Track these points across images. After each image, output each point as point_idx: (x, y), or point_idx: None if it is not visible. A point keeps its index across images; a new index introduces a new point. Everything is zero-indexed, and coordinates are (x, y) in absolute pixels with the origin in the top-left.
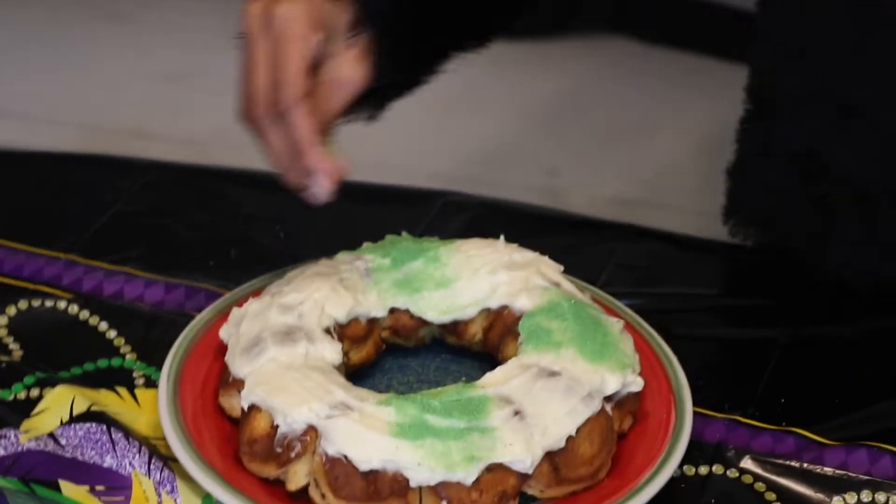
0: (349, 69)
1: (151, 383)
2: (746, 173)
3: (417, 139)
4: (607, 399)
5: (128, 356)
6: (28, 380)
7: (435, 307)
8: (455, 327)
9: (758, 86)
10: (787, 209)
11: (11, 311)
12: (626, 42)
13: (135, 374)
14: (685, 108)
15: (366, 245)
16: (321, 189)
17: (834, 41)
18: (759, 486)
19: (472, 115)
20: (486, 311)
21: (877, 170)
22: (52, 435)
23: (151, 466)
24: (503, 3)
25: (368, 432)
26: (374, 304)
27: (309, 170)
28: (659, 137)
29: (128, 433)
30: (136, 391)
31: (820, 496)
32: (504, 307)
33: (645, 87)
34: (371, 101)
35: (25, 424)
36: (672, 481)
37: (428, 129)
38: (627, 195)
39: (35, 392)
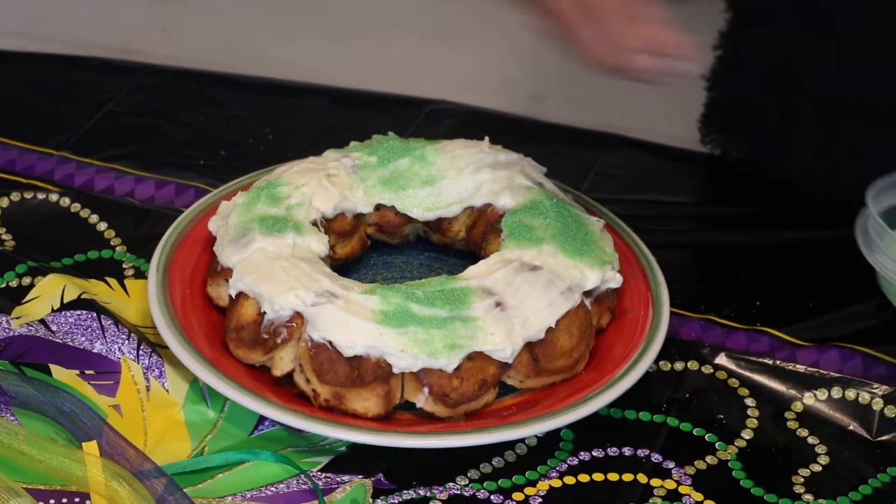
0: None
1: (141, 274)
2: (722, 82)
3: (402, 64)
4: (587, 294)
5: (118, 248)
6: (20, 268)
7: (420, 204)
8: (439, 225)
9: None
10: (755, 118)
11: (4, 202)
12: None
13: (124, 266)
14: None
15: (353, 144)
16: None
17: None
18: (733, 381)
19: (457, 41)
20: (470, 209)
21: (841, 79)
22: (43, 321)
23: (140, 352)
24: None
25: (353, 319)
26: (361, 200)
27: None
28: None
29: (117, 321)
30: (126, 281)
31: (792, 392)
32: (487, 205)
33: None
34: None
35: (17, 311)
36: (648, 376)
37: (413, 55)
38: (611, 122)
39: (27, 280)
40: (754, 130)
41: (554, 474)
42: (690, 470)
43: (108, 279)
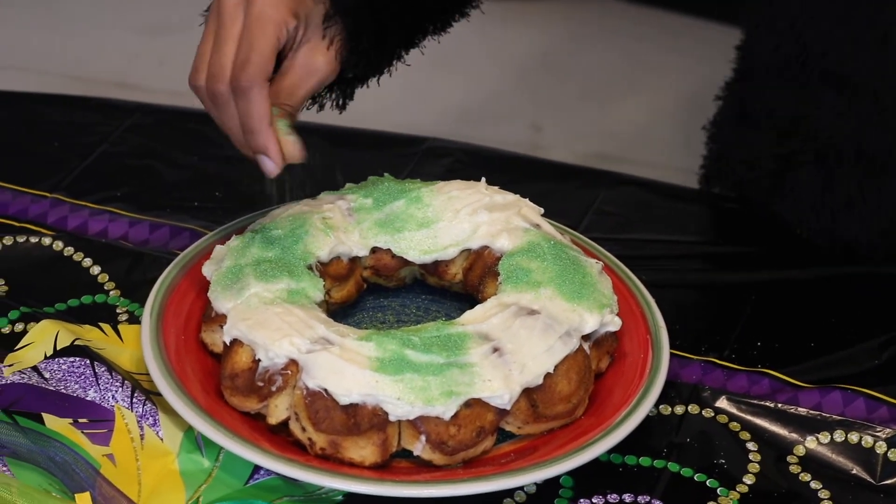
0: (320, 58)
1: (135, 319)
2: (726, 132)
3: (401, 95)
4: (585, 338)
5: (112, 293)
6: (13, 314)
7: (416, 247)
8: (436, 267)
9: (747, 48)
10: (757, 167)
11: None
12: (610, 1)
13: (118, 311)
14: (667, 67)
15: (349, 185)
16: (268, 167)
17: (820, 11)
18: (734, 425)
19: (455, 72)
20: (467, 252)
21: (844, 131)
22: (35, 368)
23: (134, 400)
24: None
25: (349, 366)
26: (356, 244)
27: (258, 149)
28: (640, 96)
29: (111, 367)
30: (120, 327)
31: (794, 436)
32: (484, 247)
33: (628, 46)
34: (338, 89)
35: (10, 358)
36: (648, 420)
37: (412, 86)
38: (608, 151)
39: (20, 326)
40: (751, 174)
41: None
42: None
43: (101, 325)
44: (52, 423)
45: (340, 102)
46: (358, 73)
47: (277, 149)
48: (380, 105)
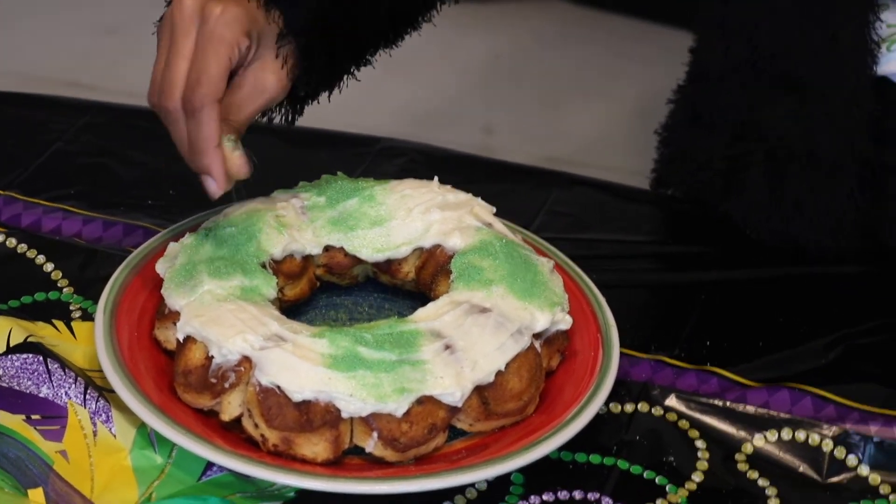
0: (270, 77)
1: (88, 317)
2: (678, 135)
3: (354, 98)
4: (536, 336)
5: (65, 290)
6: None
7: (369, 245)
8: (388, 266)
9: (699, 50)
10: (708, 168)
11: None
12: (564, 5)
13: (72, 308)
14: (621, 71)
15: (302, 184)
16: (210, 189)
17: (771, 13)
18: (683, 423)
19: (409, 75)
20: (420, 250)
21: (794, 133)
22: None
23: (87, 397)
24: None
25: (301, 363)
26: (310, 242)
27: (202, 170)
28: (594, 100)
29: (64, 364)
30: (73, 324)
31: (742, 434)
32: (437, 246)
33: (583, 51)
34: (288, 106)
35: None
36: (598, 418)
37: (365, 89)
38: (560, 155)
39: None
40: (702, 175)
41: None
42: None
43: (55, 321)
44: (5, 419)
45: (290, 118)
46: (309, 90)
47: (222, 171)
48: (333, 108)
